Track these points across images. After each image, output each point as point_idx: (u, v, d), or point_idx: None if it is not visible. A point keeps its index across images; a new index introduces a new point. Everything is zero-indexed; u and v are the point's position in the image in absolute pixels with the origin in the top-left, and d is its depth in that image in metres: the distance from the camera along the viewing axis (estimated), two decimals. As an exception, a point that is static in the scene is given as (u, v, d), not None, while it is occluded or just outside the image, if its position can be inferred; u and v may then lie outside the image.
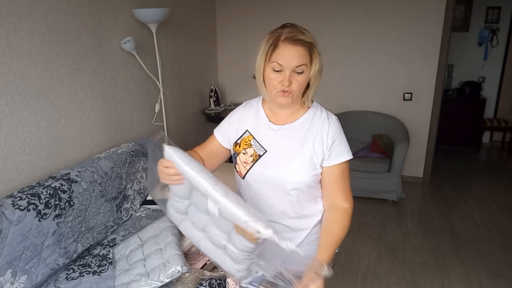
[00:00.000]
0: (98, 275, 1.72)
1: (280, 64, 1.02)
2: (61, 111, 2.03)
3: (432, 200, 3.58)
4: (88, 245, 1.89)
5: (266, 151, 1.13)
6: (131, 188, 2.26)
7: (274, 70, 1.04)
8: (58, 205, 1.72)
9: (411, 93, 3.72)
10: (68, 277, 1.71)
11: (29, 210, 1.59)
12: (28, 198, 1.61)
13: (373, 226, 3.09)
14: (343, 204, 1.14)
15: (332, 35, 3.74)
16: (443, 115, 4.07)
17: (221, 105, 3.91)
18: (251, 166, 1.14)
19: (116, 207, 2.12)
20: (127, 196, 2.23)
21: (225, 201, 0.91)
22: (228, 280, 1.41)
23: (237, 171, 1.19)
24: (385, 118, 3.75)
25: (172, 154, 0.97)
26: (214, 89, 3.84)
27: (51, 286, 1.65)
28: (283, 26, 1.05)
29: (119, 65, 2.48)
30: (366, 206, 3.44)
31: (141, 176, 2.35)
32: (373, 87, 3.82)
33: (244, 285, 1.00)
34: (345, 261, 2.63)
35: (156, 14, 2.50)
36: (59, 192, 1.74)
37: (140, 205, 2.33)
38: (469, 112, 4.78)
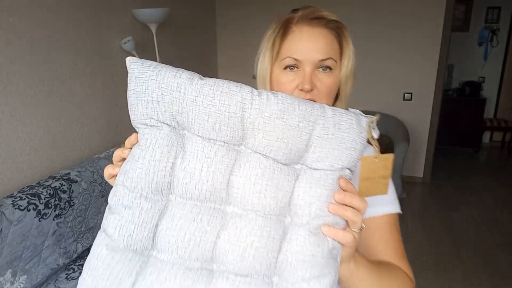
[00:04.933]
0: (98, 275, 1.71)
1: (295, 59, 0.66)
2: (61, 111, 2.03)
3: (432, 200, 3.58)
4: (88, 245, 1.89)
5: None
6: (131, 188, 2.26)
7: (287, 69, 0.68)
8: (58, 205, 1.72)
9: (411, 93, 3.72)
10: (68, 277, 1.71)
11: (29, 210, 1.59)
12: (28, 198, 1.61)
13: (373, 226, 3.09)
14: None
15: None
16: (443, 115, 4.07)
17: (221, 105, 3.91)
18: None
19: (116, 207, 2.12)
20: (127, 196, 2.23)
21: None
22: None
23: None
24: (385, 118, 3.75)
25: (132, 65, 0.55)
26: (214, 89, 3.84)
27: (51, 286, 1.65)
28: (296, 10, 0.70)
29: (119, 65, 2.48)
30: (366, 206, 3.43)
31: (141, 176, 2.35)
32: (373, 87, 3.82)
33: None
34: (345, 261, 2.63)
35: (156, 14, 2.50)
36: (59, 192, 1.74)
37: (140, 205, 2.33)
38: (469, 112, 4.77)
